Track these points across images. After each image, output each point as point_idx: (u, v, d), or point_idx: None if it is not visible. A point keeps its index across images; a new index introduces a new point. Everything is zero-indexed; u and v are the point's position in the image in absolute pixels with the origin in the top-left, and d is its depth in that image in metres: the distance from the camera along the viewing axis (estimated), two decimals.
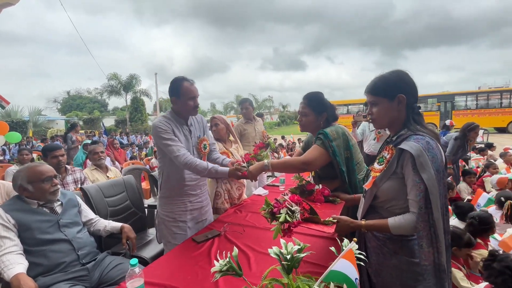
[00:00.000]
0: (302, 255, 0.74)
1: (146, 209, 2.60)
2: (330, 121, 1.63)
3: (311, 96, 1.61)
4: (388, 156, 1.04)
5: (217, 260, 1.37)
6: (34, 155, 6.89)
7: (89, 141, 5.01)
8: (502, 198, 2.51)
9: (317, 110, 1.59)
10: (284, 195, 1.04)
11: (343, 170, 1.49)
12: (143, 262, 1.88)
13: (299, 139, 10.91)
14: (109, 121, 27.71)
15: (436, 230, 0.90)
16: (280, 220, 0.96)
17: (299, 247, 0.75)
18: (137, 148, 9.10)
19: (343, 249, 0.75)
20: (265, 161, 1.43)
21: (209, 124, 2.44)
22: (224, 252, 0.82)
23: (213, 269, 0.76)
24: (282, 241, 0.77)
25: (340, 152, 1.46)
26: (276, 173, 4.49)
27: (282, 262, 0.73)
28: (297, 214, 0.99)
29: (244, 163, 1.74)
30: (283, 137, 13.74)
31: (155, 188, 3.85)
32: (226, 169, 1.68)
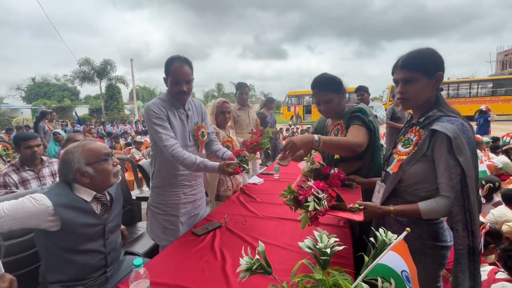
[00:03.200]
0: (338, 248, 0.66)
1: (134, 202, 2.43)
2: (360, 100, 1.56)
3: (325, 80, 1.47)
4: (415, 139, 0.98)
5: (222, 253, 1.32)
6: None
7: (59, 131, 4.59)
8: (483, 182, 2.67)
9: (337, 89, 1.45)
10: (307, 181, 0.96)
11: (378, 147, 1.42)
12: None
13: (281, 129, 10.91)
14: (82, 110, 26.05)
15: (472, 214, 0.87)
16: (310, 208, 0.89)
17: (335, 238, 0.68)
18: (107, 139, 8.27)
19: (383, 239, 0.68)
20: (315, 136, 1.23)
21: (211, 110, 2.30)
22: (249, 248, 0.73)
23: (239, 269, 0.66)
24: (316, 233, 0.69)
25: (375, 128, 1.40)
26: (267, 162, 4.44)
27: (319, 258, 0.65)
28: (324, 202, 0.91)
29: (237, 156, 1.62)
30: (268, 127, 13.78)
31: (140, 180, 3.66)
32: (216, 164, 1.54)
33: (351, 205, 1.01)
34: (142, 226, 2.20)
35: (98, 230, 1.19)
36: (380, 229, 0.73)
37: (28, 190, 2.03)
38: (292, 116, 20.07)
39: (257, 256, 0.66)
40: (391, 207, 1.01)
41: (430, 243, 1.00)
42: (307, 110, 21.59)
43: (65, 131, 6.38)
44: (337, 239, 0.67)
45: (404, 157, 0.99)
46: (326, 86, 1.46)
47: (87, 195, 1.17)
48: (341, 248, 0.67)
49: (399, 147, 1.05)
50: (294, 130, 10.56)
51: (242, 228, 1.53)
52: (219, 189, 2.21)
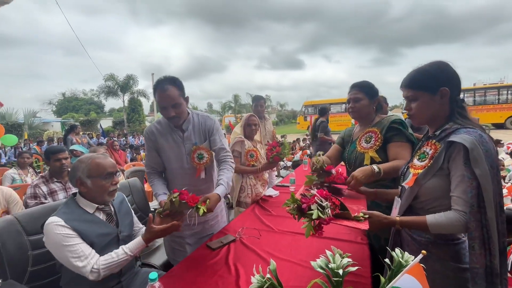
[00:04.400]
0: (352, 268, 0.65)
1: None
2: (377, 109, 1.58)
3: (362, 83, 1.56)
4: (431, 152, 0.95)
5: (235, 268, 1.32)
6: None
7: (75, 147, 4.73)
8: None
9: (370, 94, 1.53)
10: (310, 190, 0.96)
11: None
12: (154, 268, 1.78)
13: (297, 139, 10.79)
14: (106, 123, 27.41)
15: (489, 231, 0.82)
16: (313, 216, 0.88)
17: (348, 259, 0.66)
18: (129, 150, 8.55)
19: (399, 260, 0.66)
20: (374, 166, 1.26)
21: (241, 123, 2.38)
22: (260, 266, 0.73)
23: (251, 287, 0.67)
24: (328, 252, 0.68)
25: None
26: (282, 173, 4.42)
27: (332, 278, 0.64)
28: (328, 210, 0.91)
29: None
30: (283, 136, 13.68)
31: None
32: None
33: (355, 214, 0.99)
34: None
35: (112, 239, 1.26)
36: (396, 250, 0.71)
37: (56, 202, 2.15)
38: (309, 126, 19.92)
39: (268, 275, 0.66)
40: (397, 218, 0.98)
41: (452, 265, 0.95)
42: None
43: (88, 143, 6.71)
44: (350, 260, 0.66)
45: (420, 171, 0.96)
46: (362, 88, 1.54)
47: (89, 207, 1.26)
48: (354, 269, 0.66)
49: (415, 160, 1.02)
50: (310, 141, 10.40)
51: (256, 243, 1.53)
52: (240, 195, 2.29)
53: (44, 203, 2.25)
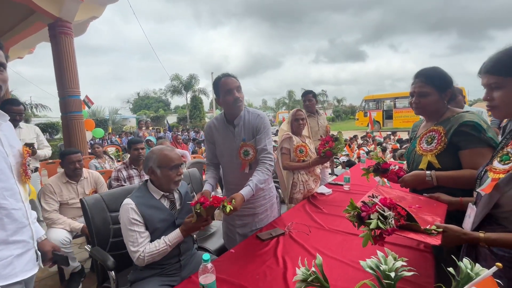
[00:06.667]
0: (407, 273, 0.60)
1: None
2: (450, 100, 1.30)
3: (430, 71, 1.29)
4: None
5: (283, 260, 1.33)
6: (113, 149, 7.92)
7: (150, 137, 5.48)
8: None
9: (440, 86, 1.26)
10: (373, 197, 0.89)
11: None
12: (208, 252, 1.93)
13: (355, 136, 10.01)
14: (172, 119, 30.40)
15: None
16: (372, 226, 0.82)
17: (402, 262, 0.61)
18: (191, 143, 9.39)
19: (467, 272, 0.58)
20: (428, 172, 1.14)
21: (287, 119, 2.41)
22: (306, 259, 0.73)
23: (295, 278, 0.67)
24: (379, 253, 0.64)
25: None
26: (336, 171, 4.24)
27: (383, 281, 0.60)
28: (391, 221, 0.83)
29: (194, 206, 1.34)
30: (338, 133, 12.94)
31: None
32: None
33: (427, 227, 0.88)
34: (214, 224, 2.41)
35: (170, 224, 1.40)
36: (465, 259, 0.63)
37: (132, 185, 2.49)
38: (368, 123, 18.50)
39: (313, 269, 0.66)
40: (481, 234, 0.82)
41: None
42: (388, 116, 19.47)
43: (155, 137, 7.57)
44: (405, 264, 0.60)
45: (502, 175, 0.80)
46: (429, 78, 1.27)
47: (156, 193, 1.42)
48: (409, 274, 0.60)
49: (495, 163, 0.85)
50: (369, 140, 9.48)
51: (305, 238, 1.51)
52: (293, 192, 2.28)
53: (124, 185, 2.65)
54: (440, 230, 0.86)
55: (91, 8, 5.02)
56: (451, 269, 0.61)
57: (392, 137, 9.86)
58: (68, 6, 4.41)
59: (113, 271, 1.43)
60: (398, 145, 6.82)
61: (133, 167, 2.82)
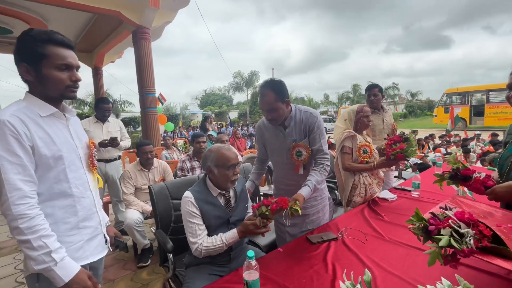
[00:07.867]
0: None
1: (261, 197, 2.73)
2: None
3: None
4: None
5: (333, 267, 1.25)
6: (181, 141, 8.75)
7: (212, 132, 5.85)
8: None
9: None
10: (446, 209, 0.75)
11: None
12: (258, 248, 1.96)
13: (431, 135, 8.59)
14: (233, 114, 31.95)
15: None
16: (441, 243, 0.68)
17: None
18: (249, 139, 9.76)
19: None
20: None
21: (346, 116, 2.23)
22: (352, 273, 0.66)
23: None
24: (445, 281, 0.53)
25: None
26: (404, 175, 3.77)
27: None
28: (470, 240, 0.68)
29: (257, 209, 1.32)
30: (414, 132, 11.33)
31: (269, 177, 4.06)
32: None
33: None
34: None
35: (224, 222, 1.44)
36: None
37: (193, 176, 2.71)
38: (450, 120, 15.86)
39: (359, 285, 0.59)
40: None
41: None
42: (477, 112, 16.23)
43: (219, 132, 8.04)
44: None
45: None
46: None
47: (213, 190, 1.45)
48: None
49: None
50: (450, 140, 7.93)
51: (361, 247, 1.39)
52: (352, 194, 2.09)
53: (187, 175, 2.91)
54: None
55: (165, 14, 5.58)
56: None
57: (480, 137, 8.23)
58: (147, 14, 5.01)
59: (171, 254, 1.58)
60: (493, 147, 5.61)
61: (196, 159, 3.06)
